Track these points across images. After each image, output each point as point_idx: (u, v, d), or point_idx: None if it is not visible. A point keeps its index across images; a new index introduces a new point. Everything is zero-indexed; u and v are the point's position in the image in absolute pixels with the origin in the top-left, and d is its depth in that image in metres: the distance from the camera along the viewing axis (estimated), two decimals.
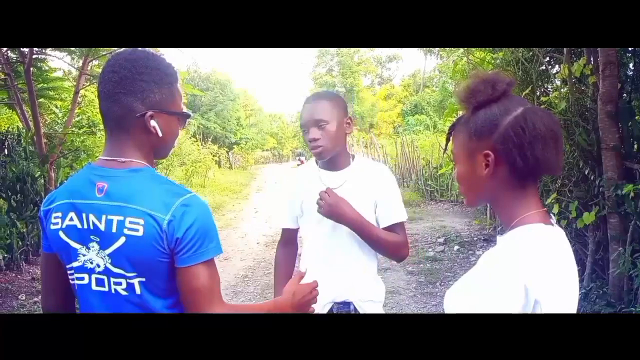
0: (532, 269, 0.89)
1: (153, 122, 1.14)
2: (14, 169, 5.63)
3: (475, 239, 6.81)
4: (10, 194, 5.51)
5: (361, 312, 1.82)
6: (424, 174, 11.67)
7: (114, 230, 1.10)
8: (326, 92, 1.95)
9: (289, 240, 2.01)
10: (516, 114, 0.95)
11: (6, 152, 6.82)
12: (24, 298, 4.82)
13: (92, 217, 1.12)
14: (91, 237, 1.12)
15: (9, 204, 5.49)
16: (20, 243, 5.44)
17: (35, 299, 4.81)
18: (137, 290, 1.12)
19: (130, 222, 1.09)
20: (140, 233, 1.09)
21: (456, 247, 6.44)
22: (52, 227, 1.17)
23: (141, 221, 1.09)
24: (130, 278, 1.12)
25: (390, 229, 1.82)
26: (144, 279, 1.12)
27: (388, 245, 1.79)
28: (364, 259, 1.84)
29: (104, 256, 1.12)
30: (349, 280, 1.82)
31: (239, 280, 5.63)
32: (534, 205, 0.99)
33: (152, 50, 1.19)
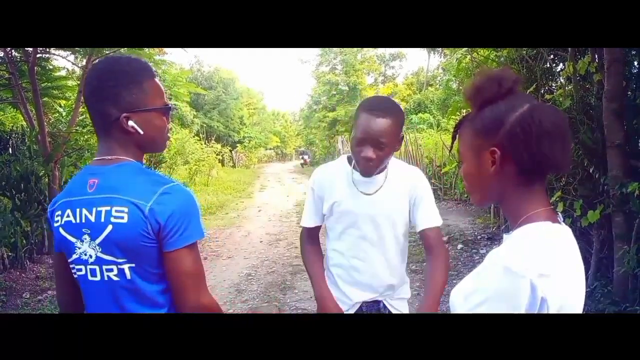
0: (538, 267, 0.88)
1: (131, 123, 1.21)
2: (18, 168, 5.65)
3: (479, 237, 6.79)
4: (14, 192, 5.53)
5: (390, 309, 1.86)
6: (427, 172, 11.64)
7: (102, 220, 1.19)
8: (389, 105, 1.71)
9: (315, 237, 1.98)
10: (522, 111, 0.94)
11: (10, 151, 6.84)
12: (28, 296, 4.84)
13: (84, 211, 1.21)
14: (83, 230, 1.21)
15: (14, 203, 5.51)
16: (24, 241, 5.46)
17: (39, 297, 4.83)
18: (128, 275, 1.20)
19: (116, 211, 1.18)
20: (125, 220, 1.17)
21: (460, 246, 6.42)
22: (55, 225, 1.28)
23: (126, 209, 1.17)
24: (120, 264, 1.20)
25: (426, 233, 1.80)
26: (133, 265, 1.20)
27: (445, 280, 1.77)
28: (395, 260, 1.85)
29: (95, 246, 1.20)
30: (381, 281, 1.83)
31: (242, 278, 5.63)
32: (541, 203, 0.98)
33: (126, 53, 1.24)
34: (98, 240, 1.20)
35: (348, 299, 1.84)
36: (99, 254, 1.20)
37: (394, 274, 1.86)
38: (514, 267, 0.88)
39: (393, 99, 1.89)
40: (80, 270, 1.25)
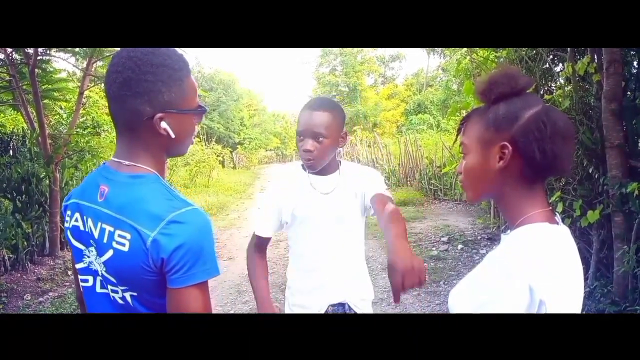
0: (537, 270, 0.89)
1: (164, 124, 1.07)
2: (19, 170, 5.66)
3: (479, 237, 6.79)
4: (15, 194, 5.54)
5: (356, 311, 1.86)
6: (427, 173, 11.64)
7: (105, 240, 1.06)
8: (329, 102, 1.82)
9: (265, 249, 1.96)
10: (538, 109, 0.96)
11: (11, 153, 6.85)
12: (29, 298, 4.84)
13: (90, 222, 1.10)
14: (90, 241, 1.10)
15: (14, 205, 5.52)
16: (25, 243, 5.47)
17: (41, 299, 4.84)
18: (130, 302, 1.08)
19: (119, 236, 1.04)
20: (125, 248, 1.03)
21: (460, 246, 6.42)
22: (65, 224, 1.19)
23: (128, 235, 1.03)
24: (123, 291, 1.08)
25: (376, 198, 1.73)
26: (135, 294, 1.07)
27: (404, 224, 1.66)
28: (356, 262, 1.90)
29: (100, 263, 1.09)
30: (343, 283, 1.85)
31: (243, 279, 5.63)
32: (540, 204, 0.98)
33: None
34: (102, 259, 1.09)
35: (314, 303, 1.85)
36: (104, 273, 1.09)
37: (356, 275, 1.90)
38: (513, 271, 0.88)
39: (334, 100, 1.98)
40: (86, 280, 1.15)
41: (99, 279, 1.12)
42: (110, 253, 1.06)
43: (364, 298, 1.90)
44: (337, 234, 1.82)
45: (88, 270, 1.13)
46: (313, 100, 1.82)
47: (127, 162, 1.09)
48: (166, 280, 1.02)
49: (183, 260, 0.99)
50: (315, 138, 1.71)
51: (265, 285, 1.89)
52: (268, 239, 1.93)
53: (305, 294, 1.88)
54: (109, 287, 1.10)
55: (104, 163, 1.17)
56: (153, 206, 1.02)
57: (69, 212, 1.17)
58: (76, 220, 1.14)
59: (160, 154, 1.13)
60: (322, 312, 1.83)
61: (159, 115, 1.06)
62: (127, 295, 1.07)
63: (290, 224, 1.87)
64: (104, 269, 1.09)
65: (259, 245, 1.93)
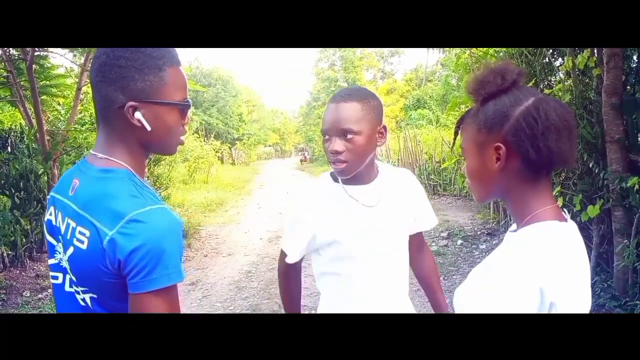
0: (547, 272, 0.87)
1: (137, 114, 0.99)
2: (17, 167, 5.64)
3: (478, 233, 6.79)
4: (13, 191, 5.52)
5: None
6: (426, 168, 11.65)
7: (68, 236, 1.00)
8: (359, 91, 1.47)
9: (296, 271, 1.67)
10: (527, 104, 0.91)
11: (9, 150, 6.84)
12: (28, 295, 4.84)
13: (60, 216, 1.04)
14: (59, 236, 1.05)
15: (13, 202, 5.51)
16: (24, 240, 5.46)
17: (40, 295, 4.83)
18: (90, 305, 1.00)
19: (79, 232, 0.97)
20: (84, 246, 0.96)
21: (460, 242, 6.42)
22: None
23: (87, 233, 0.95)
24: (83, 292, 1.01)
25: (419, 233, 1.74)
26: (95, 296, 0.99)
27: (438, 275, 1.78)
28: (400, 283, 1.63)
29: (66, 260, 1.02)
30: (392, 306, 1.59)
31: (242, 275, 5.64)
32: (547, 201, 0.95)
33: None
34: (66, 256, 1.01)
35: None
36: (70, 271, 1.02)
37: (402, 297, 1.64)
38: (523, 273, 0.87)
39: (367, 89, 1.57)
40: (56, 277, 1.07)
41: (68, 276, 1.05)
42: (71, 250, 0.99)
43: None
44: (388, 255, 1.55)
45: (58, 267, 1.07)
46: (340, 90, 1.51)
47: (100, 155, 1.02)
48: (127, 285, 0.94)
49: (142, 263, 0.90)
50: (343, 136, 1.39)
51: (298, 308, 1.72)
52: (301, 260, 1.63)
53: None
54: (73, 286, 1.03)
55: (84, 158, 1.10)
56: (115, 203, 0.94)
57: (48, 205, 1.12)
58: (50, 214, 1.09)
59: (137, 148, 1.04)
60: None
61: (130, 103, 0.98)
62: (87, 297, 1.00)
63: (329, 246, 1.52)
64: (70, 267, 1.02)
65: (291, 270, 1.65)
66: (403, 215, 1.57)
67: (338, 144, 1.40)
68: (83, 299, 1.01)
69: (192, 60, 31.50)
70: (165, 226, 0.93)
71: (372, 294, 1.56)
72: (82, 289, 1.00)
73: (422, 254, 1.77)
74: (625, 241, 3.51)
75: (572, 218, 1.02)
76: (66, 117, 6.70)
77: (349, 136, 1.39)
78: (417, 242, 1.73)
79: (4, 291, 4.81)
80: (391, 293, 1.59)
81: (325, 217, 1.50)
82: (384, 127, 1.46)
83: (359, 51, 37.16)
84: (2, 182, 5.53)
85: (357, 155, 1.41)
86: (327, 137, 1.44)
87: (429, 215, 1.70)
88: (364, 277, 1.54)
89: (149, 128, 1.01)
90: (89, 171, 1.02)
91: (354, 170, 1.44)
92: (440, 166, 10.72)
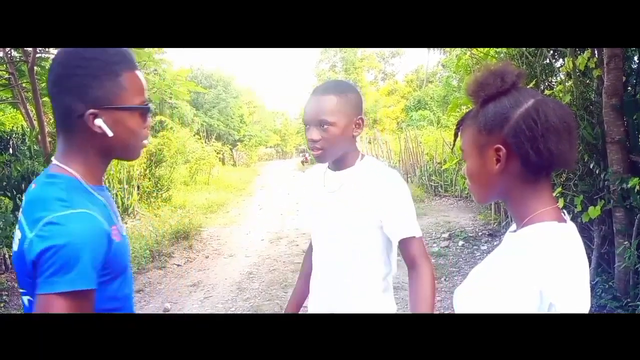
0: (547, 273, 0.87)
1: (98, 121, 1.01)
2: (18, 168, 5.65)
3: (480, 234, 6.79)
4: (15, 193, 5.53)
5: None
6: (427, 169, 11.65)
7: (15, 239, 1.02)
8: (336, 84, 1.61)
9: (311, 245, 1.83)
10: (527, 106, 0.91)
11: (11, 151, 6.84)
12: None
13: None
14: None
15: (14, 203, 5.52)
16: None
17: None
18: (28, 306, 1.01)
19: (16, 235, 0.99)
20: (16, 248, 0.98)
21: (461, 243, 6.42)
22: None
23: (19, 234, 0.97)
24: (22, 294, 1.02)
25: (405, 245, 1.56)
26: (31, 299, 0.99)
27: (433, 299, 1.53)
28: (361, 278, 1.62)
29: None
30: (345, 298, 1.64)
31: (244, 277, 5.64)
32: (547, 202, 0.96)
33: None
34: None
35: (314, 310, 1.74)
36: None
37: (358, 293, 1.63)
38: (523, 275, 0.87)
39: (349, 81, 1.72)
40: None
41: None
42: (12, 251, 1.02)
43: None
44: (336, 241, 1.62)
45: None
46: (322, 84, 1.63)
47: (54, 161, 1.05)
48: None
49: (47, 263, 0.89)
50: (319, 126, 1.53)
51: (297, 285, 1.88)
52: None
53: (310, 301, 1.77)
54: (19, 288, 1.05)
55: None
56: (41, 206, 0.95)
57: None
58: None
59: (97, 154, 1.06)
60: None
61: (90, 111, 1.00)
62: (26, 299, 1.01)
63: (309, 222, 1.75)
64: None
65: (310, 246, 1.83)
66: (362, 209, 1.57)
67: (315, 133, 1.55)
68: (28, 300, 1.02)
69: (195, 63, 31.53)
70: (79, 231, 0.92)
71: (320, 275, 1.70)
72: (22, 290, 1.02)
73: (413, 274, 1.55)
74: (626, 242, 3.51)
75: (572, 219, 1.02)
76: None
77: (325, 126, 1.53)
78: (407, 257, 1.58)
79: (6, 292, 4.82)
80: (341, 283, 1.63)
81: (307, 192, 1.76)
82: (361, 119, 1.59)
83: (359, 52, 37.22)
84: (4, 183, 5.54)
85: (332, 144, 1.55)
86: (307, 126, 1.58)
87: (399, 223, 1.56)
88: (317, 257, 1.71)
89: (110, 134, 1.02)
90: (41, 176, 1.05)
91: (329, 156, 1.59)
92: (441, 167, 10.72)
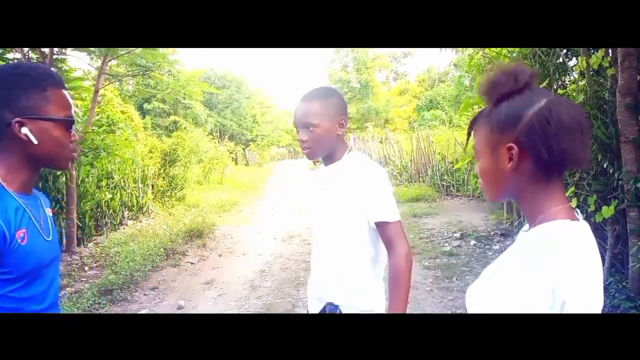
0: (559, 272, 0.87)
1: (24, 130, 1.14)
2: None
3: (492, 233, 6.76)
4: None
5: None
6: (439, 169, 11.60)
7: None
8: (320, 91, 1.80)
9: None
10: (540, 106, 0.92)
11: None
12: None
13: None
14: None
15: None
16: None
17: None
18: None
19: None
20: None
21: (473, 242, 6.40)
22: None
23: None
24: None
25: (382, 227, 1.68)
26: None
27: (408, 278, 1.64)
28: (350, 258, 1.75)
29: None
30: (332, 284, 1.77)
31: (256, 275, 5.68)
32: (559, 200, 0.96)
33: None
34: None
35: (311, 298, 1.89)
36: None
37: (350, 280, 1.75)
38: (535, 273, 0.87)
39: (333, 87, 1.97)
40: None
41: None
42: None
43: (360, 309, 1.72)
44: (324, 229, 1.82)
45: None
46: (308, 92, 1.81)
47: None
48: None
49: None
50: (307, 128, 1.74)
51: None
52: None
53: (309, 283, 1.94)
54: None
55: None
56: None
57: None
58: None
59: (24, 163, 1.18)
60: (319, 308, 1.80)
61: (16, 119, 1.13)
62: None
63: None
64: None
65: None
66: (344, 197, 1.73)
67: (303, 135, 1.76)
68: None
69: (208, 64, 31.60)
70: None
71: (316, 258, 1.86)
72: None
73: (390, 254, 1.68)
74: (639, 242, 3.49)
75: (586, 219, 1.02)
76: (84, 119, 6.80)
77: (311, 128, 1.73)
78: (384, 238, 1.69)
79: None
80: (329, 276, 1.79)
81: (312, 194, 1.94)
82: (344, 119, 1.78)
83: (371, 52, 37.08)
84: None
85: (318, 143, 1.75)
86: (298, 129, 1.79)
87: (373, 208, 1.68)
88: (314, 243, 1.89)
89: (35, 141, 1.15)
90: None
91: (317, 154, 1.80)
92: (453, 167, 10.66)
